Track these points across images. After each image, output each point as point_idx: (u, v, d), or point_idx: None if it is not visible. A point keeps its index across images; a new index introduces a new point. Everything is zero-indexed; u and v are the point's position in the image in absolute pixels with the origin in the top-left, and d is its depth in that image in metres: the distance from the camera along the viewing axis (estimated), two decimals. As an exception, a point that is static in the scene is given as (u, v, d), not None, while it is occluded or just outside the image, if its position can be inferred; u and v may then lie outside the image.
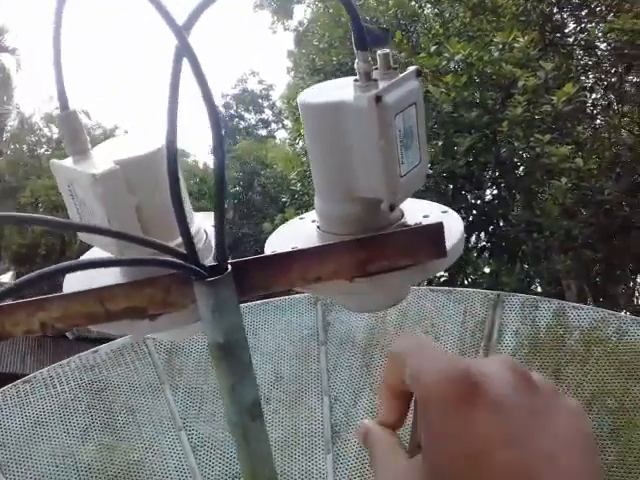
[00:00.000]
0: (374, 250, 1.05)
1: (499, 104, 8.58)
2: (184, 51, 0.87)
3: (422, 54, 9.00)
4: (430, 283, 10.06)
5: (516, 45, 8.22)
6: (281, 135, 29.01)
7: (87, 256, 1.25)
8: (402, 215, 1.22)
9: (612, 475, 3.14)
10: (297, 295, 3.99)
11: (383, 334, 3.86)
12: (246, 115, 31.57)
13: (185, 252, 0.97)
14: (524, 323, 3.71)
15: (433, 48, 8.91)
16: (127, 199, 1.06)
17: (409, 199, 1.33)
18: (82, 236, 1.13)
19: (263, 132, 31.33)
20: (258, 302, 4.07)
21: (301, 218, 1.39)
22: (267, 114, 32.13)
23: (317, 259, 1.05)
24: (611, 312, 3.53)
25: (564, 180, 7.87)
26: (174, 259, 0.96)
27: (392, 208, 1.08)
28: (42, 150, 24.89)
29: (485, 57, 8.32)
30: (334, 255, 1.05)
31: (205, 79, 0.88)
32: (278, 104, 29.76)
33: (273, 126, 31.88)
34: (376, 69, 1.06)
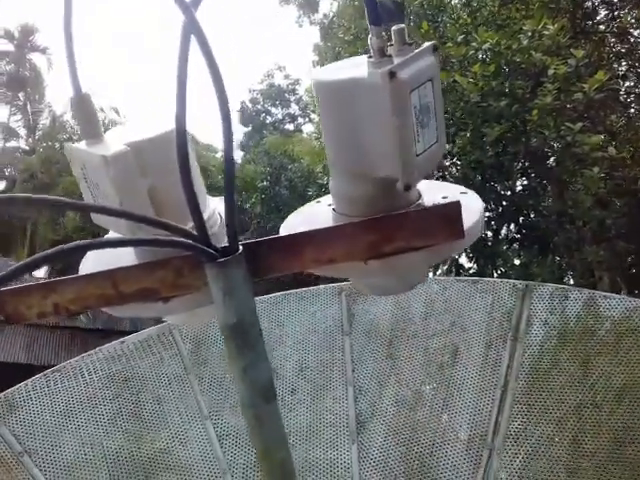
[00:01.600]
0: (388, 231, 1.03)
1: (528, 93, 8.40)
2: (191, 28, 0.86)
3: (449, 44, 8.86)
4: (458, 274, 9.96)
5: (545, 33, 8.03)
6: (307, 129, 29.03)
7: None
8: (419, 196, 1.19)
9: (644, 468, 3.07)
10: (321, 286, 3.98)
11: (408, 325, 3.83)
12: (273, 110, 31.66)
13: (195, 233, 0.97)
14: (553, 313, 3.63)
15: (460, 37, 8.77)
16: (139, 181, 1.06)
17: (428, 181, 1.30)
18: (96, 219, 1.13)
19: (290, 126, 31.37)
20: (283, 293, 4.08)
21: (318, 202, 1.37)
22: (294, 108, 32.16)
23: (330, 240, 1.03)
24: (643, 302, 3.44)
25: (596, 169, 7.68)
26: (184, 239, 0.95)
27: (407, 188, 1.05)
28: (74, 147, 25.29)
29: (514, 45, 8.15)
30: (347, 236, 1.03)
31: (213, 56, 0.87)
32: (304, 98, 29.77)
33: (300, 120, 31.89)
34: (391, 45, 1.04)
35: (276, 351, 3.79)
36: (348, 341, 3.81)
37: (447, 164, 10.78)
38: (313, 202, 1.37)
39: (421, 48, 1.02)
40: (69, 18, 1.00)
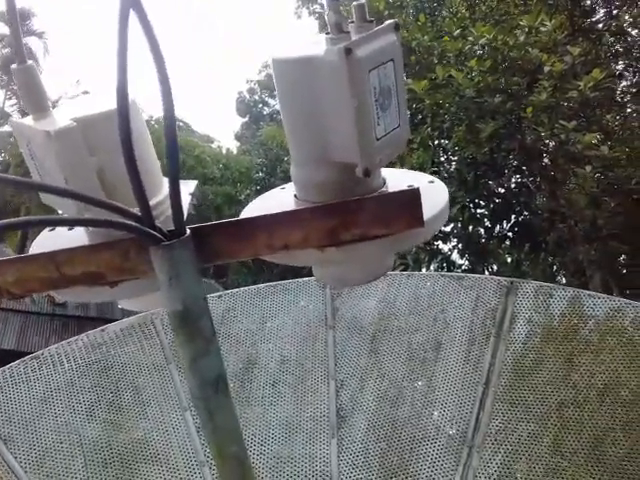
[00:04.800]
0: (345, 217, 0.98)
1: (524, 90, 8.35)
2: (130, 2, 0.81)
3: (445, 37, 8.80)
4: (449, 270, 9.93)
5: (542, 29, 7.98)
6: (305, 121, 28.84)
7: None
8: (384, 184, 1.15)
9: (623, 469, 3.04)
10: (306, 278, 3.94)
11: (392, 320, 3.79)
12: (270, 101, 31.51)
13: (139, 214, 0.92)
14: (537, 311, 3.60)
15: (457, 32, 8.70)
16: (86, 159, 1.00)
17: (395, 170, 1.26)
18: (45, 198, 1.08)
19: (287, 118, 31.17)
20: (267, 284, 4.03)
21: (282, 188, 1.32)
22: (291, 100, 31.94)
23: (284, 226, 0.99)
24: (628, 301, 3.40)
25: (589, 168, 7.65)
26: (125, 221, 0.90)
27: (367, 173, 1.00)
28: (69, 133, 25.12)
29: (510, 41, 8.09)
30: (302, 222, 0.99)
31: (153, 30, 0.81)
32: (303, 90, 29.56)
33: (297, 112, 31.70)
34: (352, 22, 0.99)
35: (258, 342, 3.75)
36: (332, 334, 3.77)
37: (442, 160, 10.74)
38: (278, 188, 1.33)
39: (382, 25, 0.97)
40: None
